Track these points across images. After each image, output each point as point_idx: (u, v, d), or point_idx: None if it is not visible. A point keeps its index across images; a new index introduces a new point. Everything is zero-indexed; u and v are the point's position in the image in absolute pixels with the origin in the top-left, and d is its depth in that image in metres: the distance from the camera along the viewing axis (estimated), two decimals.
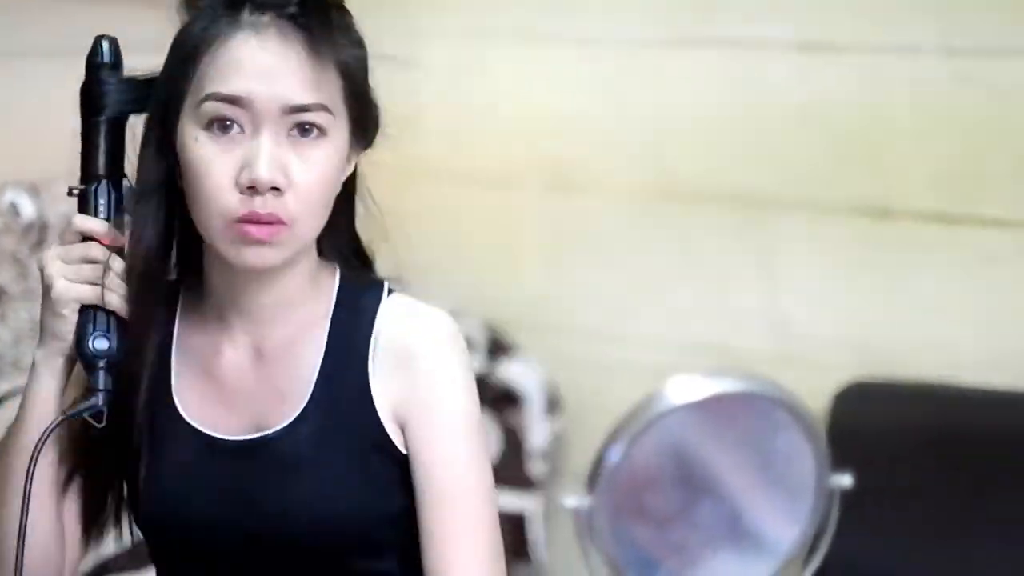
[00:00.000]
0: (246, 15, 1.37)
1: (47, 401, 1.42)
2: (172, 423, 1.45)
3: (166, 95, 1.40)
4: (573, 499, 0.95)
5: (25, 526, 1.35)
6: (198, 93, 1.37)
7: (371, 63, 1.44)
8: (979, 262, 2.38)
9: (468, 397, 1.42)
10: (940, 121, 2.39)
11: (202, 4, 1.39)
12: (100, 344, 1.40)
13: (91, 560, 2.13)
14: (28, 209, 2.31)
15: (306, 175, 1.37)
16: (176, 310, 1.48)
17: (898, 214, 2.44)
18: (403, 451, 1.44)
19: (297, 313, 1.46)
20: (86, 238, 1.42)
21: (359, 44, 1.43)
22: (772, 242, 2.55)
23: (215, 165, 1.36)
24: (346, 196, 1.47)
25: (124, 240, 1.42)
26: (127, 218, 1.43)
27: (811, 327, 2.52)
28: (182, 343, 1.47)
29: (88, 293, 1.39)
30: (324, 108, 1.38)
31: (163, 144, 1.40)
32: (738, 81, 2.56)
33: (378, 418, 1.44)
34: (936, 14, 2.37)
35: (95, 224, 1.43)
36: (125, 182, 1.45)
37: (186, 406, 1.46)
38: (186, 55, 1.38)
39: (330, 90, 1.38)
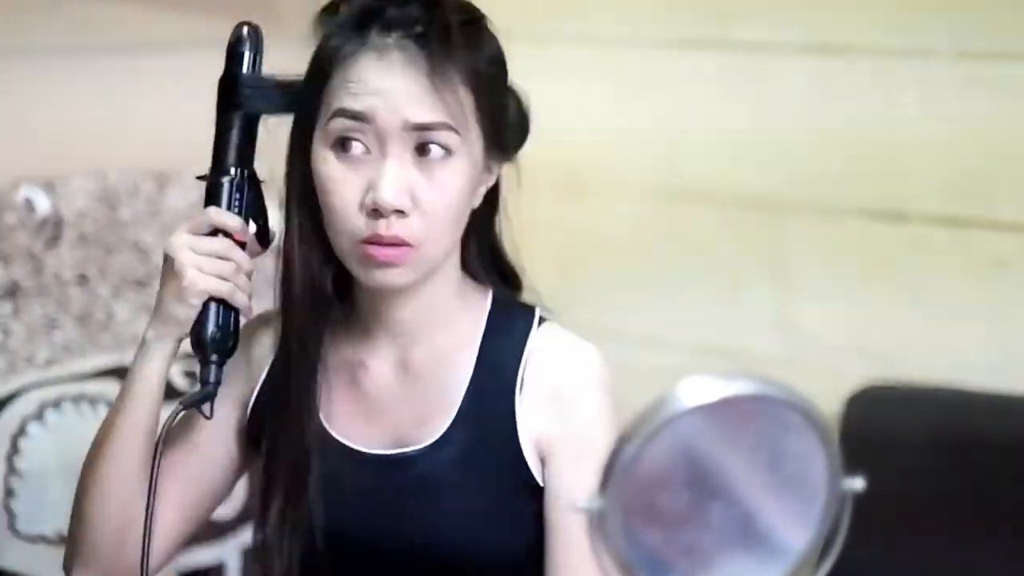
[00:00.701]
0: (373, 35, 1.38)
1: (153, 381, 1.44)
2: (317, 434, 1.46)
3: (302, 111, 1.42)
4: (585, 500, 0.95)
5: (152, 513, 1.38)
6: (327, 111, 1.39)
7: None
8: (992, 265, 2.37)
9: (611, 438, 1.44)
10: (952, 124, 2.38)
11: (334, 24, 1.41)
12: (219, 339, 1.42)
13: None
14: (43, 205, 2.32)
15: (432, 197, 1.38)
16: (327, 323, 1.49)
17: (910, 217, 2.44)
18: (540, 483, 1.44)
19: (444, 331, 1.47)
20: (217, 230, 1.42)
21: (492, 58, 1.44)
22: (783, 245, 2.55)
23: (341, 185, 1.38)
24: (486, 210, 1.48)
25: (251, 239, 1.43)
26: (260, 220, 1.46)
27: (823, 331, 2.52)
28: (330, 355, 1.49)
29: (220, 288, 1.40)
30: (448, 127, 1.38)
31: (306, 160, 1.42)
32: (749, 84, 2.56)
33: (520, 447, 1.45)
34: (948, 17, 2.37)
35: (232, 220, 1.43)
36: (258, 174, 1.47)
37: (329, 417, 1.47)
38: (317, 73, 1.40)
39: (456, 108, 1.38)
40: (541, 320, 1.51)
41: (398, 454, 1.45)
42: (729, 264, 2.59)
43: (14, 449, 2.06)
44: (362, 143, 1.37)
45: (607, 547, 0.95)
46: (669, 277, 2.64)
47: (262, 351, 1.53)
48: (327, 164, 1.38)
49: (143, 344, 1.44)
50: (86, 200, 2.36)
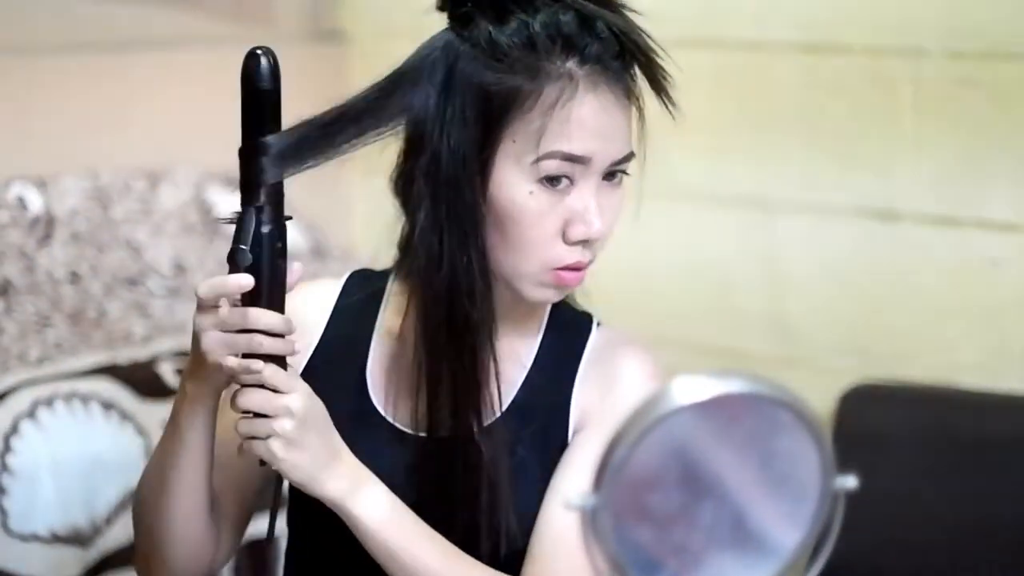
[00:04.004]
0: (574, 67, 1.38)
1: (201, 432, 1.41)
2: (363, 409, 1.46)
3: (476, 136, 1.37)
4: (578, 497, 0.95)
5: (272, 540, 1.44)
6: (536, 147, 1.37)
7: None
8: (983, 264, 2.38)
9: None
10: (944, 123, 2.38)
11: (518, 42, 1.37)
12: None
13: (94, 554, 2.14)
14: (35, 203, 2.32)
15: (610, 217, 1.42)
16: (383, 297, 1.49)
17: (902, 216, 2.44)
18: None
19: (513, 327, 1.46)
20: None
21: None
22: (776, 244, 2.55)
23: (545, 218, 1.39)
24: None
25: (263, 286, 1.34)
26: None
27: (815, 329, 2.52)
28: (382, 330, 1.49)
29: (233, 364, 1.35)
30: (633, 155, 1.43)
31: (470, 186, 1.38)
32: (742, 82, 2.56)
33: (567, 432, 1.45)
34: (940, 16, 2.37)
35: (242, 281, 1.34)
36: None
37: (377, 394, 1.47)
38: (513, 104, 1.37)
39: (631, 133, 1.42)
40: (599, 324, 1.53)
41: (446, 436, 1.45)
42: (720, 262, 2.60)
43: (6, 447, 2.06)
44: (569, 178, 1.39)
45: (599, 545, 0.95)
46: (660, 275, 2.64)
47: (314, 318, 1.50)
48: (533, 198, 1.37)
49: (184, 395, 1.39)
50: (78, 198, 2.36)
